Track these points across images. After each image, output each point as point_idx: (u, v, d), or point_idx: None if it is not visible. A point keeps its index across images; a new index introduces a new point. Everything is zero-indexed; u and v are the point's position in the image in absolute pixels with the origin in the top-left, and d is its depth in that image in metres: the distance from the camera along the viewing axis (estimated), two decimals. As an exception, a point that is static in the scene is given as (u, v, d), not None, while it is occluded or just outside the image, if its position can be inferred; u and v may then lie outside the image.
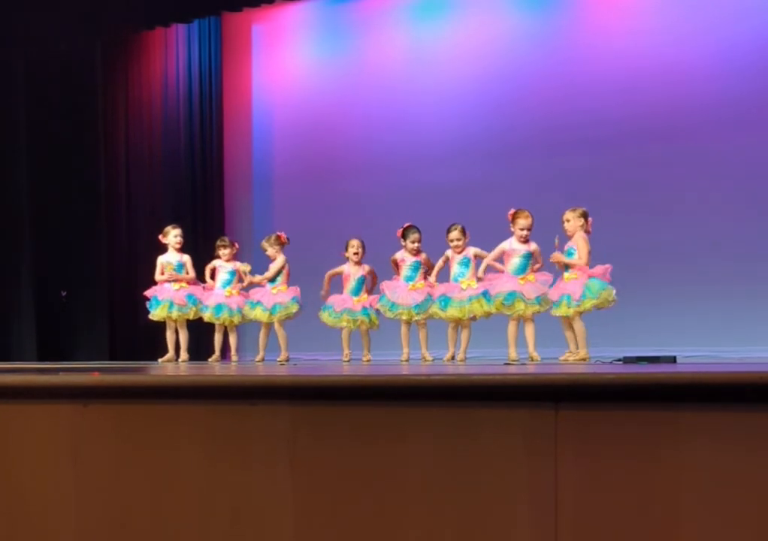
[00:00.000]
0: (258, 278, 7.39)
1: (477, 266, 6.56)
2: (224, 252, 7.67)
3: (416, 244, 6.83)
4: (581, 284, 6.01)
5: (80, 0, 9.39)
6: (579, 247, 6.11)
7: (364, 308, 7.03)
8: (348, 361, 7.11)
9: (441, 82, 9.33)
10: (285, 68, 10.28)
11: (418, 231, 6.88)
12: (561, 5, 9.07)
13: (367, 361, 7.03)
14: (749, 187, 7.94)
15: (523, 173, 8.73)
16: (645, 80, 8.36)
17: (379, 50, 9.76)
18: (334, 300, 7.10)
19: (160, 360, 7.72)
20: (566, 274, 6.13)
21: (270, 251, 7.42)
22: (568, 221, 6.18)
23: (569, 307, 5.99)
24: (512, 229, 6.35)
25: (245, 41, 10.51)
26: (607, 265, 6.11)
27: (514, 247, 6.32)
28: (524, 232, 6.29)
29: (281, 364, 6.99)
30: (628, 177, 8.38)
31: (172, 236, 7.71)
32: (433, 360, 6.79)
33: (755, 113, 7.97)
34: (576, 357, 6.01)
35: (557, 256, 6.13)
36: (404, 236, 6.88)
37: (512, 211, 6.38)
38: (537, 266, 6.43)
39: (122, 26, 10.00)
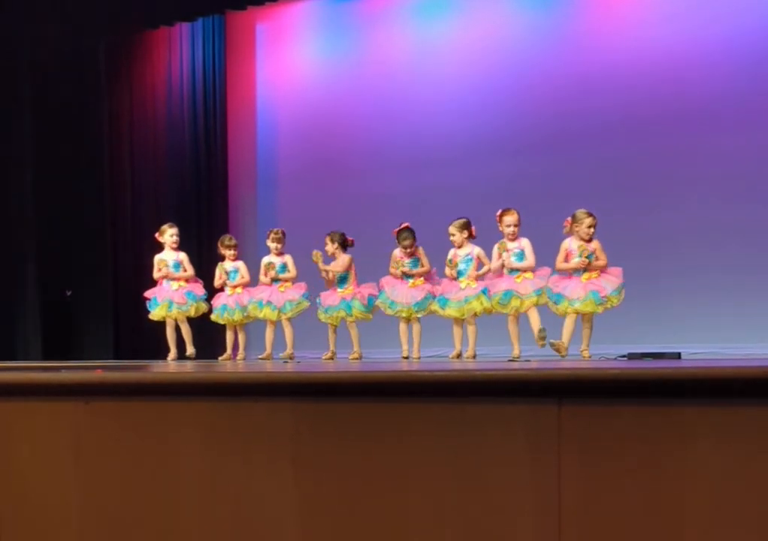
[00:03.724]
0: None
1: (479, 267, 6.56)
2: (230, 253, 7.64)
3: (407, 250, 6.81)
4: (604, 282, 6.02)
5: (85, -1, 9.43)
6: (598, 250, 6.12)
7: (343, 300, 7.00)
8: (330, 358, 7.13)
9: (445, 80, 9.31)
10: (288, 67, 10.27)
11: (411, 235, 6.80)
12: (563, 2, 9.05)
13: (353, 358, 7.04)
14: (755, 181, 7.91)
15: (528, 171, 8.70)
16: (649, 75, 8.32)
17: (383, 49, 9.75)
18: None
19: (168, 358, 7.70)
20: (585, 274, 6.09)
21: (274, 248, 7.40)
22: (595, 226, 6.19)
23: (597, 304, 5.99)
24: (501, 229, 6.36)
25: (249, 40, 10.51)
26: (620, 268, 6.12)
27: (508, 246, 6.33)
28: (511, 228, 6.30)
29: (284, 362, 6.98)
30: (631, 174, 8.35)
31: (168, 235, 7.69)
32: (419, 358, 6.79)
33: (761, 106, 7.94)
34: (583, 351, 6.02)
35: (586, 263, 6.08)
36: (397, 238, 6.88)
37: (499, 211, 6.40)
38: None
39: (126, 25, 10.01)
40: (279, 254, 7.40)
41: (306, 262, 7.31)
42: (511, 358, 6.11)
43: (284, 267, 7.35)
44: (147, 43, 10.50)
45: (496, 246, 6.35)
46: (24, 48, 9.65)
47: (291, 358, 7.22)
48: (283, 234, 7.49)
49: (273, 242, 7.41)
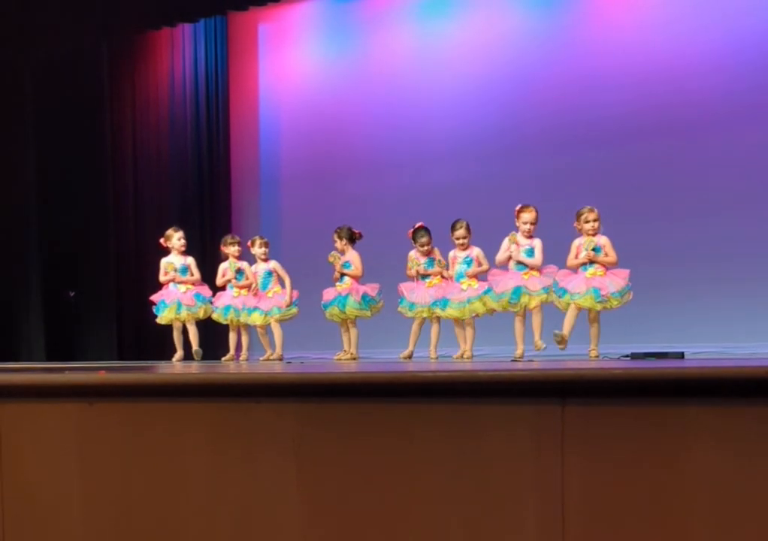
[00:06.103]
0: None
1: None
2: (234, 249, 7.62)
3: (425, 247, 6.76)
4: (608, 281, 6.01)
5: (87, 0, 9.42)
6: (607, 247, 6.11)
7: (338, 296, 6.96)
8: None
9: (447, 80, 9.31)
10: (291, 67, 10.27)
11: (428, 233, 6.78)
12: (566, 3, 9.05)
13: (345, 358, 7.01)
14: (757, 183, 7.90)
15: (529, 171, 8.69)
16: (650, 77, 8.31)
17: (385, 49, 9.75)
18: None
19: (174, 359, 7.69)
20: (590, 269, 6.08)
21: (262, 253, 7.39)
22: (596, 220, 6.18)
23: (596, 301, 5.97)
24: (517, 224, 6.34)
25: (251, 41, 10.51)
26: (627, 270, 6.10)
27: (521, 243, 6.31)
28: (527, 226, 6.28)
29: (288, 362, 6.97)
30: (634, 175, 8.34)
31: (176, 239, 7.67)
32: (438, 357, 6.75)
33: (765, 108, 7.93)
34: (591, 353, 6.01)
35: (592, 255, 6.07)
36: (413, 238, 6.84)
37: (518, 207, 6.38)
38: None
39: (129, 26, 10.01)
40: (266, 260, 7.40)
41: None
42: (514, 358, 6.10)
43: (270, 274, 7.35)
44: (149, 44, 10.51)
45: (507, 238, 6.32)
46: (26, 49, 9.66)
47: (279, 359, 7.22)
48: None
49: (261, 247, 7.38)
